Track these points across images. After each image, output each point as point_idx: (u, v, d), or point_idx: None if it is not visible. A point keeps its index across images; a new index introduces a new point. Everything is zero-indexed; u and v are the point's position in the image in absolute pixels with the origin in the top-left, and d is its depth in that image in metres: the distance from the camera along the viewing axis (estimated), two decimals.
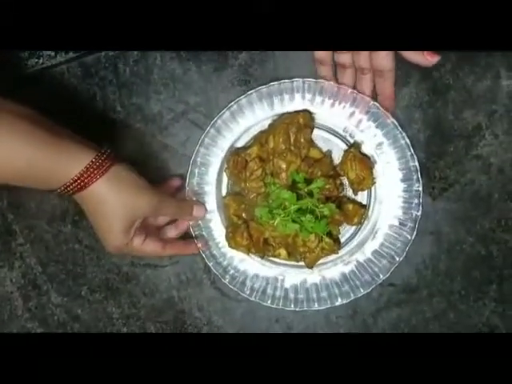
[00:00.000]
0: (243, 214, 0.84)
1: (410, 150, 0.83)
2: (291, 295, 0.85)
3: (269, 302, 0.84)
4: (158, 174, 0.88)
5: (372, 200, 0.87)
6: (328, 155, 0.86)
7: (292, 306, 0.86)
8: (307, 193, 0.79)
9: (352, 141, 0.86)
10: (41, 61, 0.89)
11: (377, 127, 0.84)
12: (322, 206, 0.79)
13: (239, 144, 0.86)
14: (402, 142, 0.84)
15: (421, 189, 0.83)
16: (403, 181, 0.84)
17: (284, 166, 0.81)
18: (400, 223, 0.84)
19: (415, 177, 0.83)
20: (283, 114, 0.84)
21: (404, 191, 0.84)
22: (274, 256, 0.85)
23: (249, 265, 0.86)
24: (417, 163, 0.83)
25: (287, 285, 0.86)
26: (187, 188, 0.85)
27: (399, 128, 0.83)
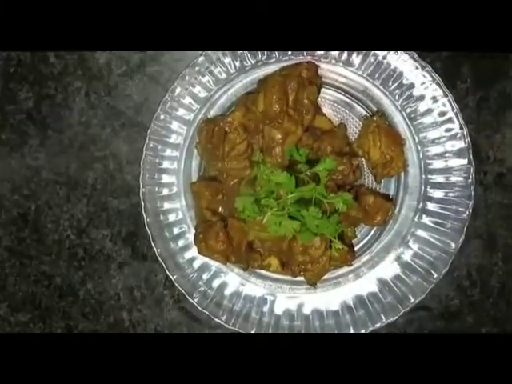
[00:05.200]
0: (219, 208, 0.77)
1: (459, 120, 0.73)
2: (284, 322, 0.76)
3: (253, 330, 0.76)
4: (105, 151, 0.82)
5: (401, 191, 0.76)
6: (341, 125, 0.76)
7: None
8: (311, 177, 0.70)
9: (375, 107, 0.76)
10: None
11: (409, 88, 0.74)
12: (332, 196, 0.69)
13: (215, 109, 0.78)
14: (447, 107, 0.73)
15: (473, 176, 0.73)
16: (447, 165, 0.74)
17: (279, 136, 0.70)
18: (440, 224, 0.75)
19: (466, 159, 0.73)
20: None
21: (448, 179, 0.74)
22: (262, 267, 0.77)
23: (226, 279, 0.78)
24: (468, 139, 0.73)
25: (279, 309, 0.77)
26: (142, 171, 0.76)
27: (444, 88, 0.73)
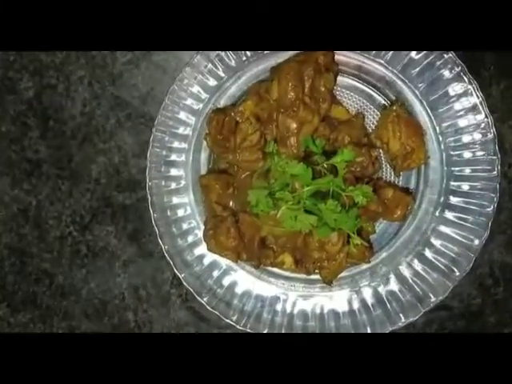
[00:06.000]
0: (230, 202, 0.76)
1: (484, 109, 0.71)
2: (298, 323, 0.76)
3: (265, 331, 0.75)
4: (109, 143, 0.82)
5: (421, 184, 0.75)
6: (359, 115, 0.76)
7: None
8: (328, 169, 0.70)
9: (394, 96, 0.76)
10: None
11: (431, 75, 0.72)
12: (351, 188, 0.68)
13: (226, 99, 0.77)
14: (472, 95, 0.71)
15: (498, 168, 0.72)
16: (471, 157, 0.73)
17: (294, 126, 0.70)
18: (463, 219, 0.73)
19: (491, 151, 0.71)
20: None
21: (471, 172, 0.73)
22: (275, 265, 0.77)
23: (237, 277, 0.78)
24: (493, 129, 0.71)
25: (292, 309, 0.76)
26: (148, 164, 0.75)
27: (468, 75, 0.71)
